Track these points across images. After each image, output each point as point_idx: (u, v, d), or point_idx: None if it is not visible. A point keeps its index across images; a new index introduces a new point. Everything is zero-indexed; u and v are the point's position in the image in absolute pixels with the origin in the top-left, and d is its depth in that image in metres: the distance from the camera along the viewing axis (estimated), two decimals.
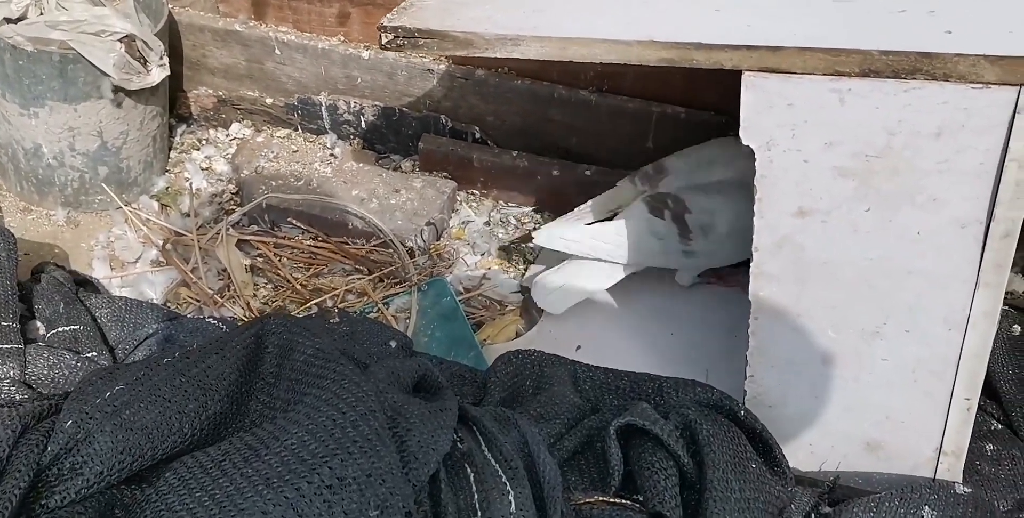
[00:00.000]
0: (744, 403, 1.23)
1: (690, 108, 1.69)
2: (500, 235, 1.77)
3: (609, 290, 1.56)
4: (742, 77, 1.00)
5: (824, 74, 0.97)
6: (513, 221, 1.80)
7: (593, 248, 1.50)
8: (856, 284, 1.10)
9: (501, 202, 1.82)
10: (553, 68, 1.72)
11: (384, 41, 1.08)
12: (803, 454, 1.24)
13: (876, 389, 1.17)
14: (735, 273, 1.52)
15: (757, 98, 1.01)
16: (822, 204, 1.06)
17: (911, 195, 1.03)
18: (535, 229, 1.78)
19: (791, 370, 1.20)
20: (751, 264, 1.14)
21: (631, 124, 1.72)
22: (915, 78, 0.95)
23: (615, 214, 1.54)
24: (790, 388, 1.21)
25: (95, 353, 1.30)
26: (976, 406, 1.16)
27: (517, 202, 1.82)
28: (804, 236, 1.09)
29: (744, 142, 1.05)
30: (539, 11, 1.10)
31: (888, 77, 0.95)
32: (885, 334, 1.13)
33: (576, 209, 1.60)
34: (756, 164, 1.06)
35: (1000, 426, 1.36)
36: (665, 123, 1.70)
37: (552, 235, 1.55)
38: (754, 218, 1.10)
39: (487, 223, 1.79)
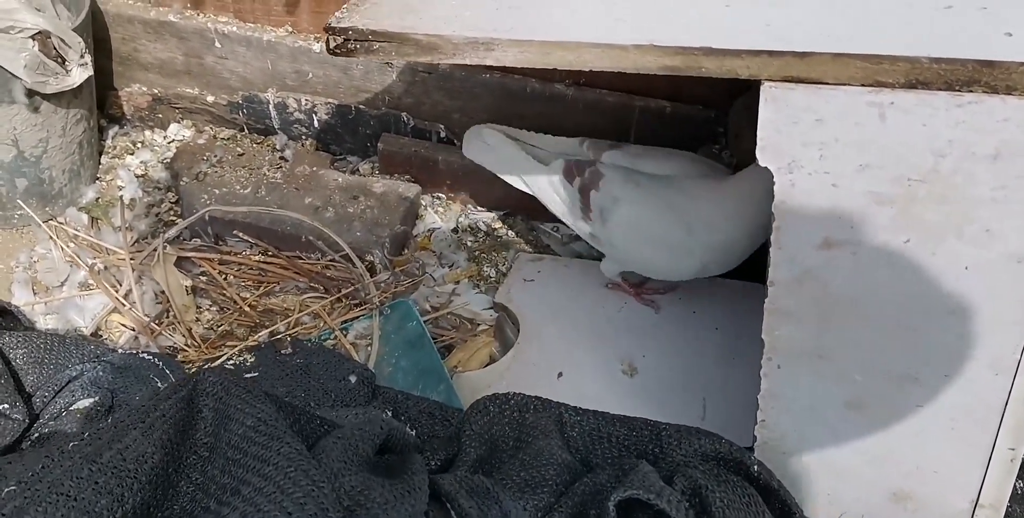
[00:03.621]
0: (753, 448, 1.09)
1: (676, 102, 1.55)
2: (469, 243, 1.62)
3: (592, 311, 1.43)
4: (761, 88, 0.84)
5: (862, 85, 0.81)
6: (483, 227, 1.65)
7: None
8: (889, 324, 0.96)
9: (469, 206, 1.68)
10: None
11: (332, 45, 0.91)
12: (821, 504, 1.11)
13: (908, 437, 1.04)
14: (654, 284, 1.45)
15: (779, 113, 0.85)
16: (853, 235, 0.91)
17: (959, 226, 0.87)
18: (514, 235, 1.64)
19: (810, 416, 1.06)
20: (765, 300, 0.99)
21: (611, 120, 1.58)
22: (971, 91, 0.79)
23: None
24: (808, 435, 1.07)
25: (7, 405, 1.14)
26: (1022, 456, 1.03)
27: (487, 206, 1.67)
28: (829, 270, 0.94)
29: (761, 163, 0.89)
30: (516, 8, 0.93)
31: (939, 89, 0.80)
32: (921, 379, 0.99)
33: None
34: (775, 188, 0.90)
35: None
36: (648, 118, 1.56)
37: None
38: (770, 249, 0.95)
39: (455, 230, 1.64)
